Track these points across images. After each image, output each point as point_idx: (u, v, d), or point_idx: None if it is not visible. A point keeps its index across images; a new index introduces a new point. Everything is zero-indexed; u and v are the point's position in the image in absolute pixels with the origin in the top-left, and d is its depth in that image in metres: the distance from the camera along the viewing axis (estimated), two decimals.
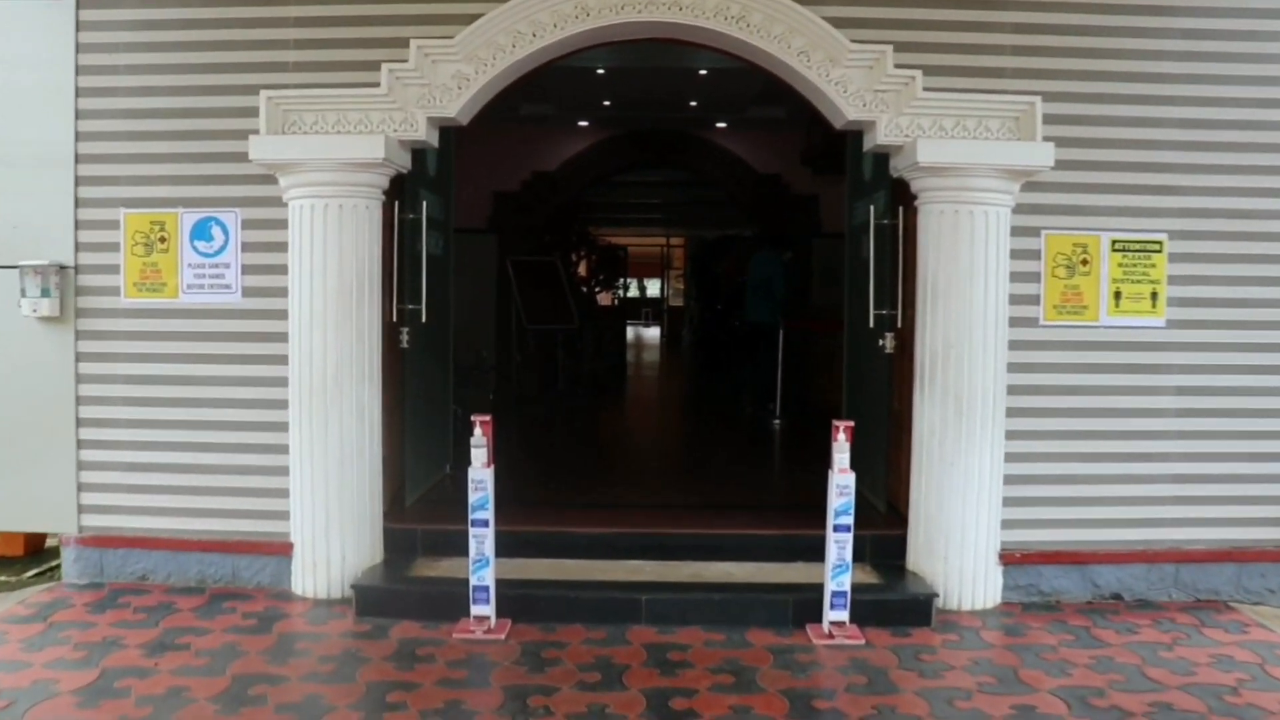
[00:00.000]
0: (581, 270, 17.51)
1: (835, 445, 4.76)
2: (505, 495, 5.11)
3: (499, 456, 4.90)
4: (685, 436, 9.65)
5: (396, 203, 5.73)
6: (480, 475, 4.72)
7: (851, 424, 4.80)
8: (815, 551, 4.97)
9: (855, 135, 5.77)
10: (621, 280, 18.88)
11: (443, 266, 6.70)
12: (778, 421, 9.98)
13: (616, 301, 28.95)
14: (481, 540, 4.72)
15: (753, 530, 5.62)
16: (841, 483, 4.75)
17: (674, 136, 12.19)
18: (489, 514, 4.73)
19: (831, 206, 12.23)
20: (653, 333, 32.17)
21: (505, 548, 4.97)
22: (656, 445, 9.05)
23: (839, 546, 4.75)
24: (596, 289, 17.74)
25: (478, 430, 4.76)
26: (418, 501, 6.05)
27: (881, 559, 5.45)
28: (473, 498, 4.72)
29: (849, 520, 4.77)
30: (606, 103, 10.69)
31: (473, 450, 4.73)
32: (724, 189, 12.57)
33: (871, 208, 5.78)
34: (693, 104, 10.70)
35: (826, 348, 10.49)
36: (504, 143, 12.30)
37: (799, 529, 5.50)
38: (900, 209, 5.61)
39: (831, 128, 5.68)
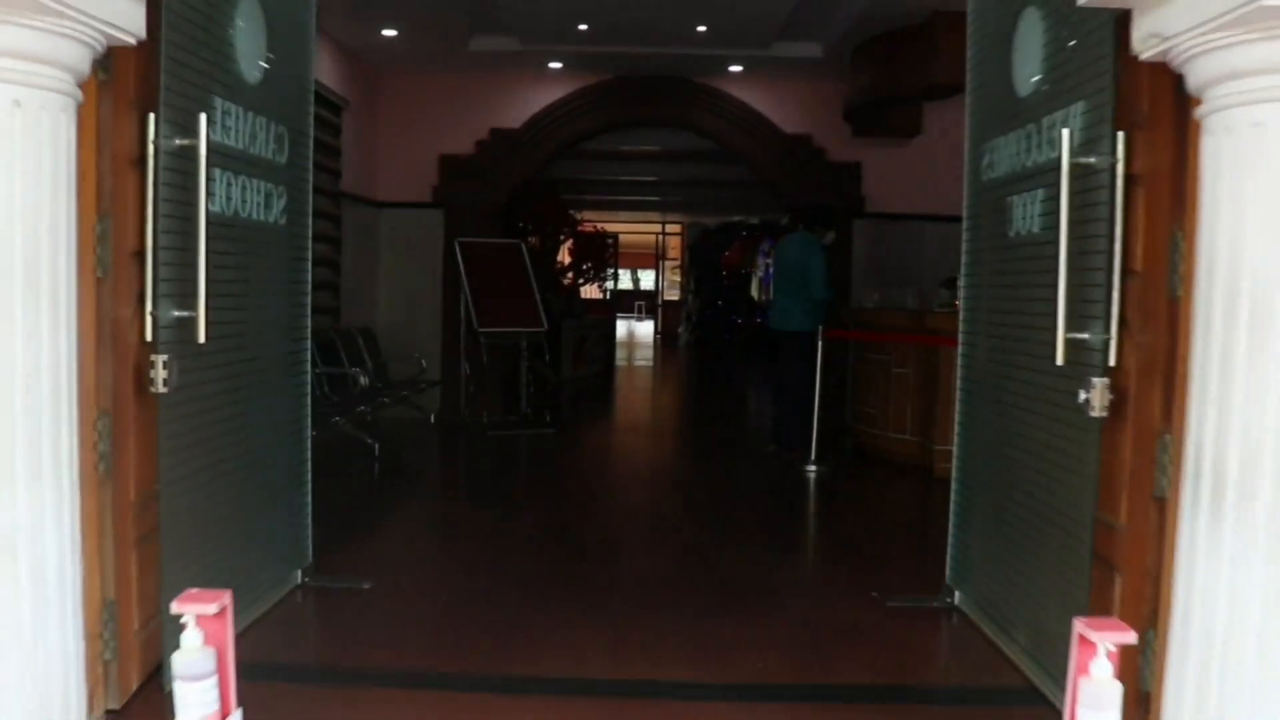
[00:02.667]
0: (564, 257, 14.69)
1: (1084, 687, 1.98)
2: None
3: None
4: (684, 500, 6.87)
5: (152, 117, 2.97)
6: None
7: (1131, 637, 2.04)
8: None
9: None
10: (610, 271, 16.11)
11: (282, 241, 3.92)
12: (813, 469, 7.21)
13: (607, 294, 26.19)
14: None
15: None
16: None
17: (674, 86, 9.40)
18: None
19: (879, 177, 9.45)
20: (646, 329, 29.43)
21: None
22: (641, 523, 6.31)
23: None
24: (580, 281, 14.96)
25: (191, 632, 1.98)
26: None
27: None
28: None
29: None
30: (583, 27, 7.86)
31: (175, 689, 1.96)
32: (737, 154, 9.77)
33: (1058, 136, 2.98)
34: (700, 30, 7.87)
35: (881, 367, 7.70)
36: (451, 90, 9.49)
37: None
38: (1122, 137, 2.85)
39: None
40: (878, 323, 7.81)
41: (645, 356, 20.89)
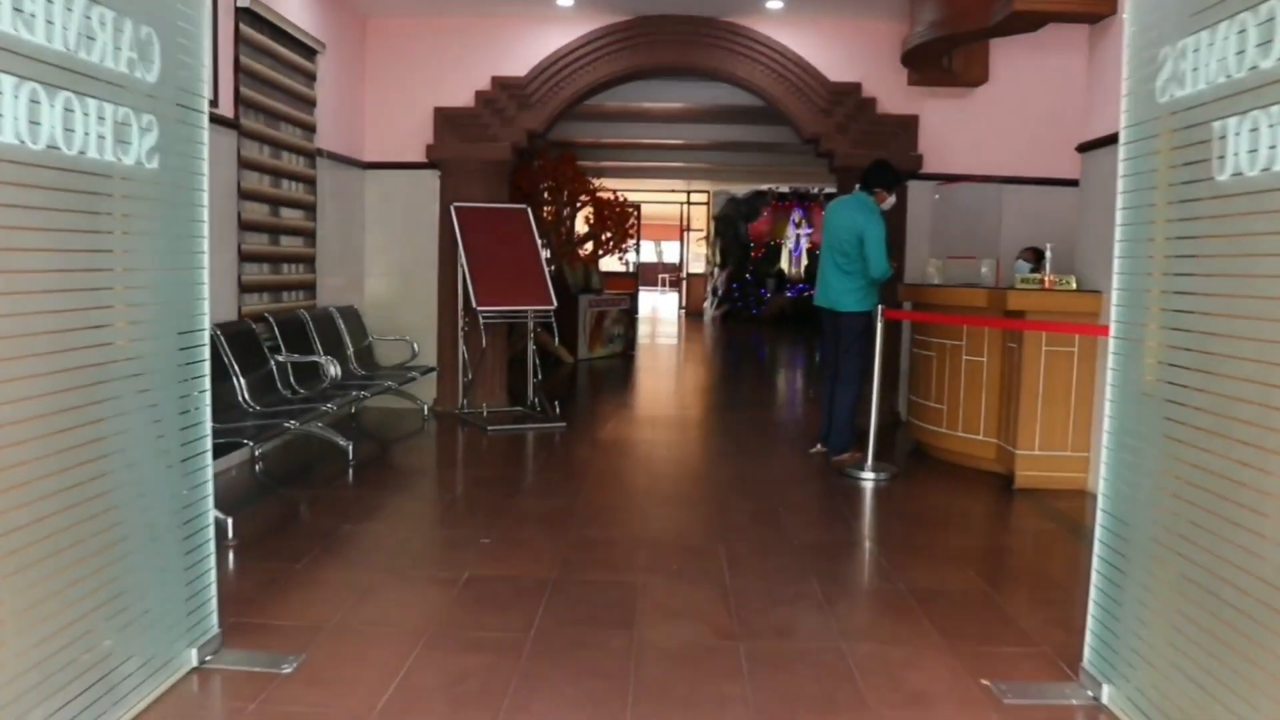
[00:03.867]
0: (580, 224, 13.45)
1: None
2: None
3: None
4: (717, 527, 5.69)
5: None
6: None
7: None
8: None
9: None
10: (632, 242, 14.84)
11: (152, 194, 2.76)
12: (870, 477, 6.03)
13: (631, 267, 24.79)
14: None
15: None
16: None
17: (702, 27, 8.16)
18: None
19: (939, 132, 8.19)
20: (670, 303, 28.18)
21: None
22: (663, 561, 5.14)
23: None
24: (599, 253, 13.73)
25: None
26: None
27: None
28: None
29: None
30: None
31: None
32: (774, 107, 8.52)
33: None
34: None
35: (949, 355, 6.49)
36: (447, 33, 8.29)
37: None
38: None
39: None
40: (943, 301, 6.58)
41: (669, 334, 19.69)
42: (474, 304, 7.53)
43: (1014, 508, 5.59)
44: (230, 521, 4.42)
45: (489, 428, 7.41)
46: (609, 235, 13.53)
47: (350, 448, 6.06)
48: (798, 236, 21.95)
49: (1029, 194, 7.82)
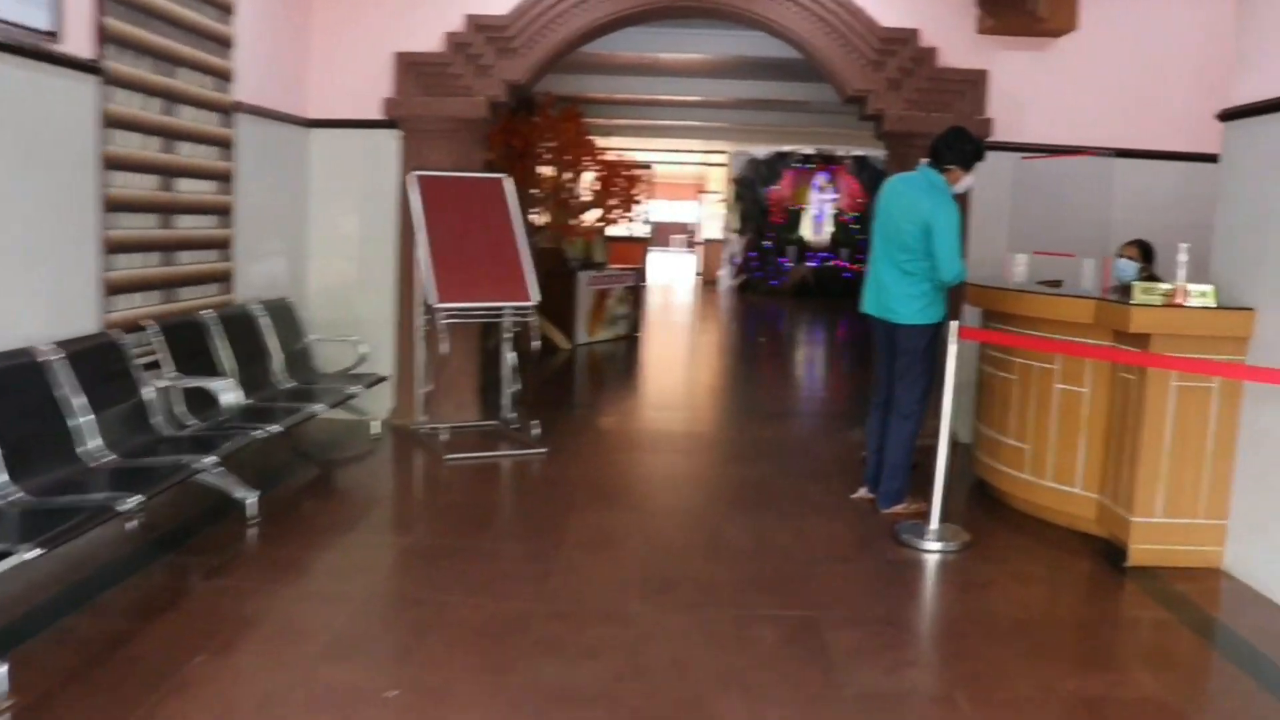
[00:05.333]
0: (583, 189, 11.86)
1: None
2: None
3: None
4: (728, 648, 4.24)
5: None
6: None
7: None
8: None
9: None
10: (641, 210, 13.15)
11: None
12: (935, 549, 4.57)
13: (650, 228, 23.09)
14: None
15: None
16: None
17: None
18: None
19: (1014, 90, 6.63)
20: (685, 268, 26.54)
21: None
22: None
23: None
24: (601, 223, 12.21)
25: None
26: None
27: None
28: None
29: None
30: None
31: None
32: (810, 57, 6.95)
33: None
34: None
35: (1036, 381, 5.02)
36: None
37: None
38: None
39: None
40: (1027, 311, 5.05)
41: (682, 308, 18.17)
42: (431, 299, 6.06)
43: (1136, 601, 4.13)
44: (5, 669, 2.96)
45: (447, 457, 5.96)
46: (615, 203, 11.94)
47: (252, 501, 4.61)
48: (821, 202, 20.37)
49: (1137, 170, 6.30)
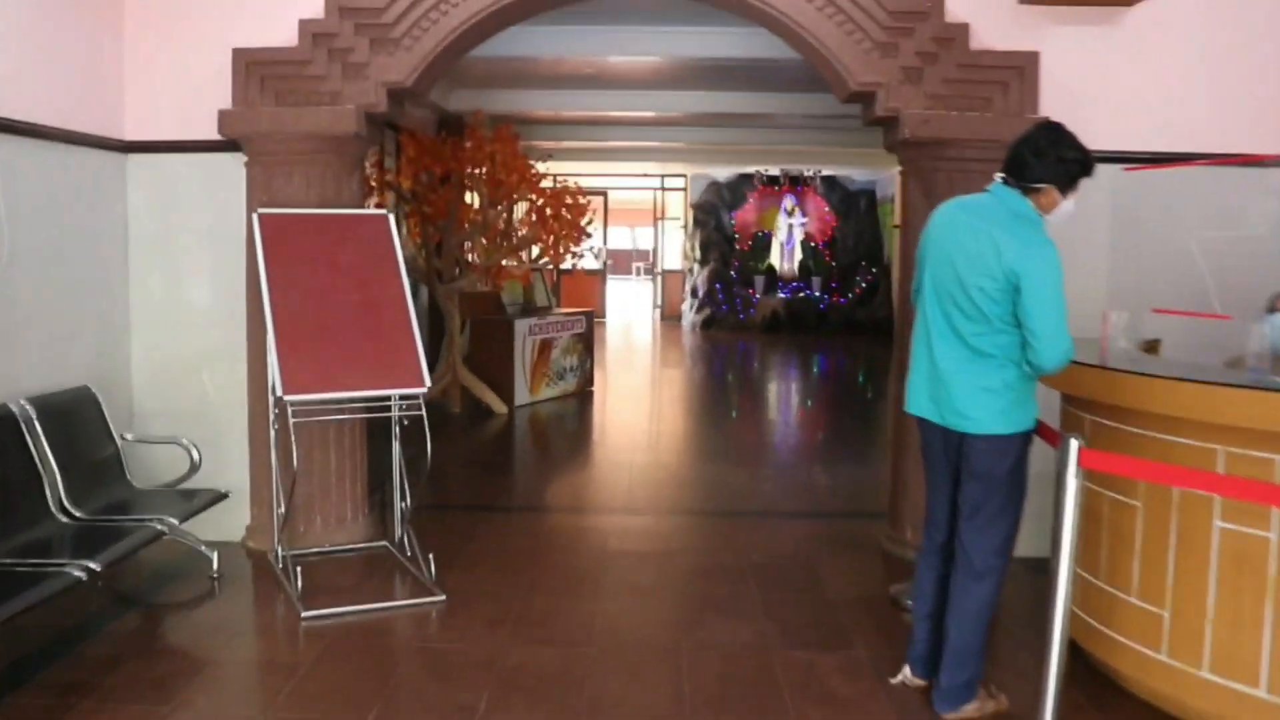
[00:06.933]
0: (520, 222, 10.03)
1: None
2: None
3: None
4: None
5: None
6: None
7: None
8: None
9: None
10: (589, 246, 11.28)
11: None
12: None
13: (605, 261, 21.34)
14: None
15: None
16: None
17: None
18: None
19: (1074, 78, 4.95)
20: (643, 300, 24.66)
21: None
22: None
23: None
24: (545, 262, 10.41)
25: None
26: None
27: None
28: None
29: None
30: None
31: None
32: (802, 44, 5.23)
33: None
34: None
35: (1180, 516, 3.24)
36: None
37: None
38: None
39: None
40: (1147, 405, 3.29)
41: (642, 351, 16.37)
42: (277, 389, 4.24)
43: None
44: None
45: (304, 614, 4.13)
46: (557, 237, 10.05)
47: None
48: (790, 226, 18.75)
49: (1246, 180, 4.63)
